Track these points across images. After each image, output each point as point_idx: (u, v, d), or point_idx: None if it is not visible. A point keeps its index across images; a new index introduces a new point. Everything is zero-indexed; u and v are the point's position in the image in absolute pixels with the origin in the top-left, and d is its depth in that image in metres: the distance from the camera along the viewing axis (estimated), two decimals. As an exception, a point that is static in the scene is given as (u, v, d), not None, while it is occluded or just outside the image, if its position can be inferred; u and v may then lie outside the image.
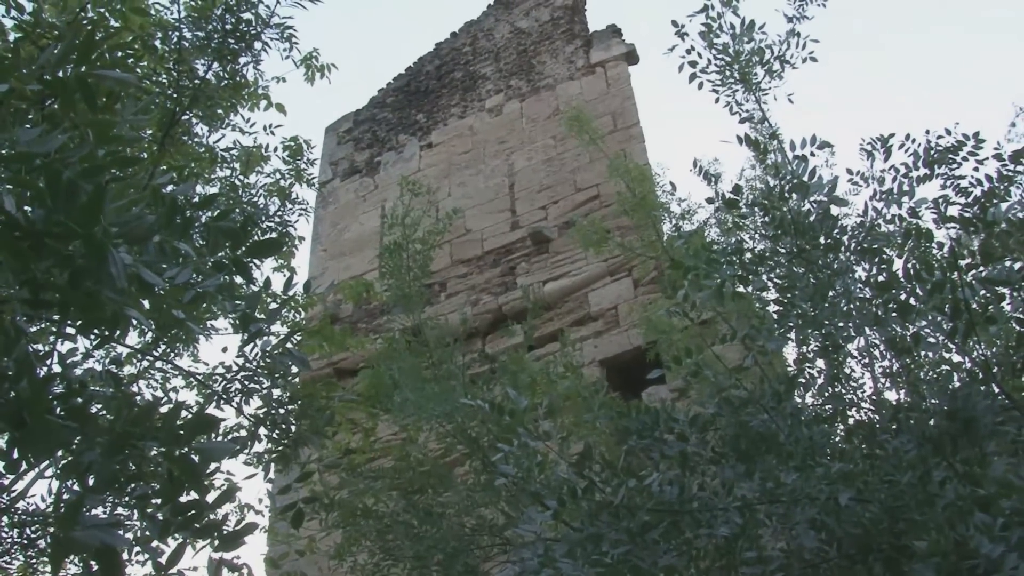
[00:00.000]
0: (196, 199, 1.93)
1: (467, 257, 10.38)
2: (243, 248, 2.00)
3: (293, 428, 3.09)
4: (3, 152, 1.69)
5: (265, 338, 2.27)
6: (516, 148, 11.13)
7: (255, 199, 5.61)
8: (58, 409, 1.88)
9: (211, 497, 2.12)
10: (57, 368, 2.31)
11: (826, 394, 4.26)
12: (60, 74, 1.64)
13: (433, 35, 26.99)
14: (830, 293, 4.13)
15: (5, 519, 4.17)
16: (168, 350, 4.98)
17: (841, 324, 4.15)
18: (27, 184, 1.66)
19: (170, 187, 2.27)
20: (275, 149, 5.86)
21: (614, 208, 9.35)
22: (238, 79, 4.89)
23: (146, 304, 2.17)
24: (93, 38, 1.57)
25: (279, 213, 5.61)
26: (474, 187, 11.05)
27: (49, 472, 3.10)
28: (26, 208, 1.79)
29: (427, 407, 5.43)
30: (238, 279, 2.23)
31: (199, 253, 2.08)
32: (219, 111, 4.95)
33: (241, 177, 5.47)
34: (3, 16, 3.40)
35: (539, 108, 11.36)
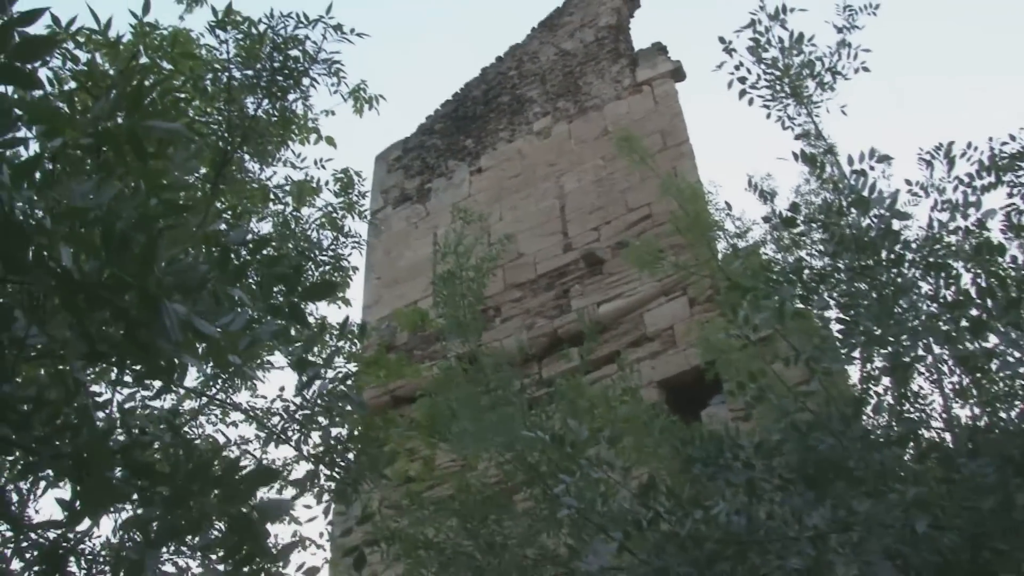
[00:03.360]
0: (249, 242, 1.90)
1: (521, 281, 10.34)
2: (297, 292, 1.97)
3: (352, 466, 3.06)
4: (57, 208, 1.68)
5: (322, 380, 2.25)
6: (566, 170, 11.08)
7: (308, 232, 5.64)
8: (118, 462, 1.86)
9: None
10: (116, 415, 2.30)
11: (894, 414, 4.13)
12: (110, 125, 1.63)
13: (479, 60, 27.13)
14: (896, 310, 4.00)
15: (72, 560, 4.20)
16: (226, 387, 5.01)
17: (908, 342, 4.02)
18: (81, 238, 1.65)
19: (223, 227, 2.26)
20: (326, 183, 5.91)
21: (667, 227, 9.24)
22: (288, 115, 4.93)
23: (201, 349, 2.15)
24: (142, 89, 1.56)
25: (332, 247, 5.63)
26: (525, 210, 11.02)
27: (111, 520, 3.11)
28: (81, 260, 1.78)
29: (486, 437, 5.38)
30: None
31: (253, 297, 2.06)
32: (270, 147, 4.99)
33: (294, 212, 5.50)
34: (60, 68, 3.48)
35: (587, 129, 11.31)
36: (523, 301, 10.22)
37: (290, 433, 3.06)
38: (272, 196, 5.37)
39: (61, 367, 2.11)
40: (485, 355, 6.71)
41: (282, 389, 5.98)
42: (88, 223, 1.77)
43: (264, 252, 1.86)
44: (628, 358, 8.94)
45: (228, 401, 4.96)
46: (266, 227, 5.35)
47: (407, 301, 11.18)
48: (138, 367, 1.88)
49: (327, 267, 5.45)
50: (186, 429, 4.48)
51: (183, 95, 4.18)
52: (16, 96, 1.63)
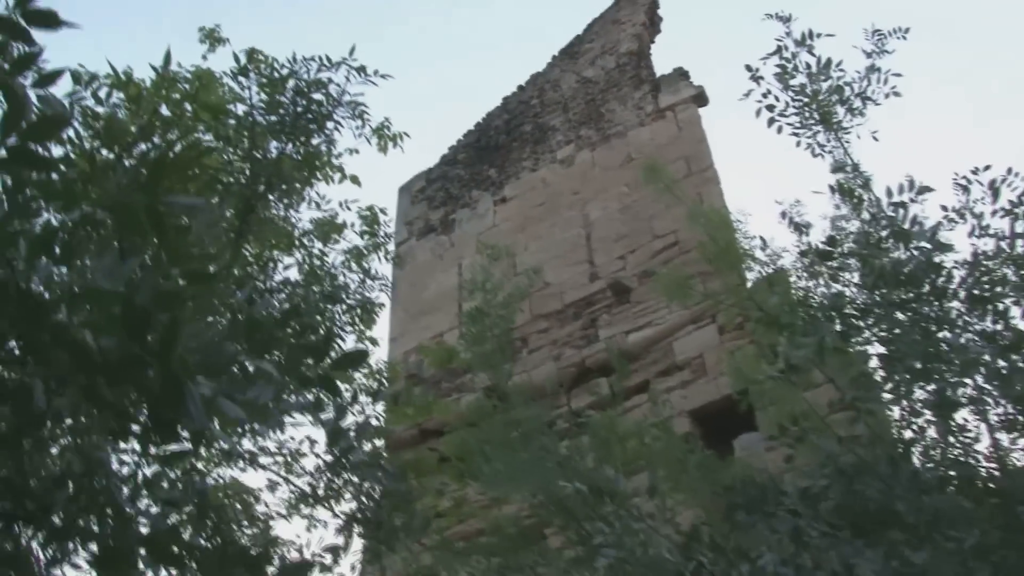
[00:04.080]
0: (277, 313, 1.81)
1: (547, 311, 10.21)
2: (328, 363, 1.88)
3: (386, 523, 2.96)
4: (76, 285, 1.60)
5: (356, 449, 2.16)
6: (590, 198, 10.97)
7: (332, 272, 5.56)
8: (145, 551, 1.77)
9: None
10: (142, 490, 2.21)
11: (945, 458, 3.96)
12: (128, 199, 1.54)
13: (500, 89, 27.11)
14: (941, 345, 3.86)
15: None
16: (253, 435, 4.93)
17: (955, 379, 3.87)
18: (101, 316, 1.57)
19: (244, 288, 2.17)
20: (352, 224, 5.84)
21: (694, 254, 9.11)
22: (312, 158, 4.86)
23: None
24: (162, 162, 1.47)
25: (359, 290, 5.56)
26: (550, 240, 10.91)
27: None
28: (100, 338, 1.70)
29: (519, 478, 5.25)
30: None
31: (280, 369, 1.96)
32: (295, 194, 4.93)
33: (319, 254, 5.43)
34: (79, 125, 3.42)
35: (611, 156, 11.21)
36: (550, 332, 10.09)
37: (321, 492, 2.96)
38: (298, 243, 5.31)
39: (81, 441, 2.02)
40: (515, 391, 6.60)
41: (313, 443, 5.91)
42: (107, 298, 1.69)
43: (293, 325, 1.77)
44: (658, 387, 8.81)
45: (256, 461, 4.85)
46: (292, 273, 5.29)
47: (433, 333, 11.09)
48: (162, 446, 1.79)
49: (355, 310, 5.39)
50: (211, 476, 4.38)
51: (207, 138, 4.13)
52: (31, 176, 1.56)
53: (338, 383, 1.95)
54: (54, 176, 1.55)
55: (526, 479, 5.38)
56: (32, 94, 1.72)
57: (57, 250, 1.65)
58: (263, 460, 5.80)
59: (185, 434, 1.83)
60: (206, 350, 1.66)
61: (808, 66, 5.31)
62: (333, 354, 2.06)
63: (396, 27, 38.38)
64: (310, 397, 2.28)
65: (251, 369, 1.84)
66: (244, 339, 1.72)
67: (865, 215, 4.17)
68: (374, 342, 6.21)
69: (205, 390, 1.63)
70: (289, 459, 5.15)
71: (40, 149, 1.43)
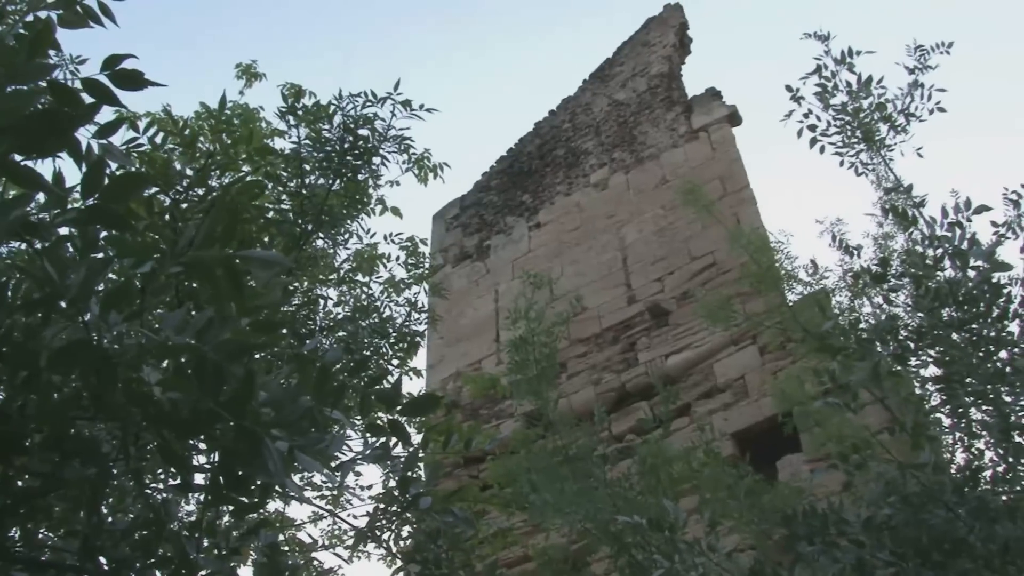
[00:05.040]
0: (349, 363, 1.78)
1: (585, 336, 10.15)
2: (399, 410, 1.85)
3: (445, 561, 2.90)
4: (148, 342, 1.57)
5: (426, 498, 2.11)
6: (626, 221, 10.92)
7: (376, 305, 5.55)
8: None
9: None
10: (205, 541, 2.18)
11: (1009, 480, 3.84)
12: (201, 253, 1.51)
13: (531, 115, 27.15)
14: (1007, 369, 3.76)
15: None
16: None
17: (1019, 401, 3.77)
18: (174, 380, 1.54)
19: (303, 330, 2.14)
20: (397, 258, 5.83)
21: (732, 275, 9.02)
22: (357, 195, 4.86)
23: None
24: (236, 214, 1.45)
25: (406, 324, 5.53)
26: (586, 264, 10.86)
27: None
28: (173, 395, 1.67)
29: (567, 508, 5.19)
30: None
31: (349, 415, 1.93)
32: (342, 231, 4.93)
33: (364, 287, 5.42)
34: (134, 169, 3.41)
35: (645, 179, 11.16)
36: (589, 356, 10.02)
37: (378, 532, 2.91)
38: (347, 280, 5.29)
39: (151, 493, 2.00)
40: (559, 418, 6.54)
41: (368, 487, 5.87)
42: (177, 352, 1.66)
43: (365, 373, 1.74)
44: (700, 410, 8.71)
45: (315, 512, 4.82)
46: (339, 309, 5.28)
47: (471, 360, 11.06)
48: (232, 501, 1.75)
49: (401, 343, 5.36)
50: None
51: (257, 178, 4.13)
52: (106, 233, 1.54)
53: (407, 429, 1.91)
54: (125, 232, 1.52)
55: (575, 508, 5.32)
56: (94, 144, 1.71)
57: (130, 305, 1.63)
58: (309, 494, 5.78)
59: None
60: (279, 403, 1.62)
61: (849, 84, 5.23)
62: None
63: (426, 62, 38.69)
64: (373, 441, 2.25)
65: (319, 418, 1.80)
66: (314, 391, 1.69)
67: (916, 234, 4.07)
68: (417, 373, 6.17)
69: (280, 443, 1.59)
70: (336, 494, 5.14)
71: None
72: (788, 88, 5.39)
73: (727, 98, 11.19)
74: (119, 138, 2.81)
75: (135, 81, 1.65)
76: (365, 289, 5.47)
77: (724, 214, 9.39)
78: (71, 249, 1.66)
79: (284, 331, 1.82)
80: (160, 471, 1.87)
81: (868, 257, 5.16)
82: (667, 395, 6.66)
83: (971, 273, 4.02)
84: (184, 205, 3.11)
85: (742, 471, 5.43)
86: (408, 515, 2.45)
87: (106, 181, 1.39)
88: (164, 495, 1.83)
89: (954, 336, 4.03)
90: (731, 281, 8.93)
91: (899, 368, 3.76)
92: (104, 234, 1.55)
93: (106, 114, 1.92)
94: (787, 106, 5.28)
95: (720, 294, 7.80)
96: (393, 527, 2.78)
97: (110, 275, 1.89)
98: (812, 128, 5.29)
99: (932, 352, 4.07)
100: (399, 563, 3.00)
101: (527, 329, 5.75)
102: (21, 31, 2.07)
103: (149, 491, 1.96)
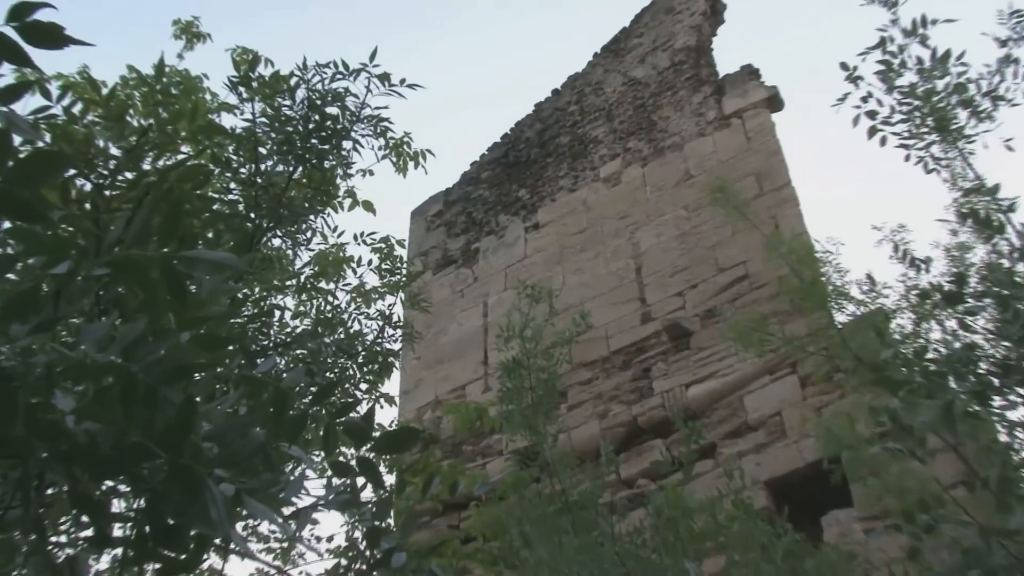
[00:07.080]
0: (310, 388, 1.73)
1: (591, 359, 10.12)
2: (371, 447, 1.79)
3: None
4: (59, 360, 1.51)
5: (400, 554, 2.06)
6: (641, 223, 10.91)
7: (343, 318, 5.50)
8: None
9: None
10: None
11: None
12: (133, 253, 1.46)
13: (532, 95, 27.04)
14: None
15: None
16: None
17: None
18: (93, 407, 1.48)
19: (265, 365, 2.08)
20: (369, 262, 5.77)
21: (767, 290, 9.01)
22: (322, 186, 4.80)
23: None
24: (176, 208, 1.39)
25: (379, 340, 5.48)
26: (593, 274, 10.84)
27: None
28: (91, 423, 1.61)
29: (565, 569, 5.15)
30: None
31: (309, 451, 1.86)
32: (304, 226, 4.87)
33: (332, 300, 5.36)
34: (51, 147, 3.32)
35: (665, 173, 11.15)
36: (594, 384, 9.99)
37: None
38: (308, 288, 5.25)
39: (53, 549, 1.93)
40: (558, 458, 6.49)
41: (328, 539, 5.82)
42: (99, 373, 1.60)
43: (329, 400, 1.68)
44: (727, 452, 8.67)
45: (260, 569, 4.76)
46: (299, 322, 5.22)
47: (453, 385, 11.02)
48: (159, 558, 1.69)
49: (375, 365, 5.31)
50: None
51: (202, 162, 4.06)
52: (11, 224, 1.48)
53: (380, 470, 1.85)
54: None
55: (576, 568, 5.28)
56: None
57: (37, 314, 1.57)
58: (254, 546, 5.72)
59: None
60: (225, 436, 1.57)
61: (920, 61, 5.14)
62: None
63: (412, 30, 38.72)
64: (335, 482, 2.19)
65: (274, 455, 1.75)
66: (271, 422, 1.63)
67: (1002, 245, 4.03)
68: (390, 400, 6.12)
69: (225, 486, 1.53)
70: (286, 547, 5.08)
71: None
72: (843, 66, 5.31)
73: (767, 78, 11.17)
74: (22, 106, 2.75)
75: (52, 36, 1.58)
76: (330, 298, 5.43)
77: (760, 217, 9.36)
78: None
79: (233, 348, 1.76)
80: (67, 520, 1.80)
81: (939, 272, 5.09)
82: (688, 433, 6.59)
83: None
84: (110, 192, 3.04)
85: (779, 528, 5.39)
86: (376, 574, 2.39)
87: (10, 161, 1.33)
88: (71, 550, 1.76)
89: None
90: (766, 298, 8.91)
91: (978, 408, 3.71)
92: (7, 225, 1.49)
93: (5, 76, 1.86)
94: (841, 87, 5.22)
95: (753, 313, 7.77)
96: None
97: (12, 276, 1.83)
98: (872, 115, 5.22)
99: (1021, 391, 4.01)
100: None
101: (521, 350, 5.71)
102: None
103: (52, 546, 1.90)
